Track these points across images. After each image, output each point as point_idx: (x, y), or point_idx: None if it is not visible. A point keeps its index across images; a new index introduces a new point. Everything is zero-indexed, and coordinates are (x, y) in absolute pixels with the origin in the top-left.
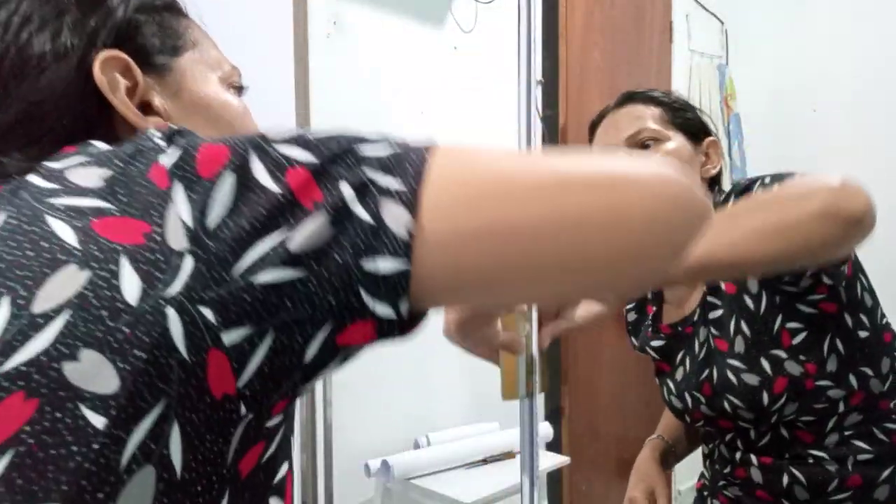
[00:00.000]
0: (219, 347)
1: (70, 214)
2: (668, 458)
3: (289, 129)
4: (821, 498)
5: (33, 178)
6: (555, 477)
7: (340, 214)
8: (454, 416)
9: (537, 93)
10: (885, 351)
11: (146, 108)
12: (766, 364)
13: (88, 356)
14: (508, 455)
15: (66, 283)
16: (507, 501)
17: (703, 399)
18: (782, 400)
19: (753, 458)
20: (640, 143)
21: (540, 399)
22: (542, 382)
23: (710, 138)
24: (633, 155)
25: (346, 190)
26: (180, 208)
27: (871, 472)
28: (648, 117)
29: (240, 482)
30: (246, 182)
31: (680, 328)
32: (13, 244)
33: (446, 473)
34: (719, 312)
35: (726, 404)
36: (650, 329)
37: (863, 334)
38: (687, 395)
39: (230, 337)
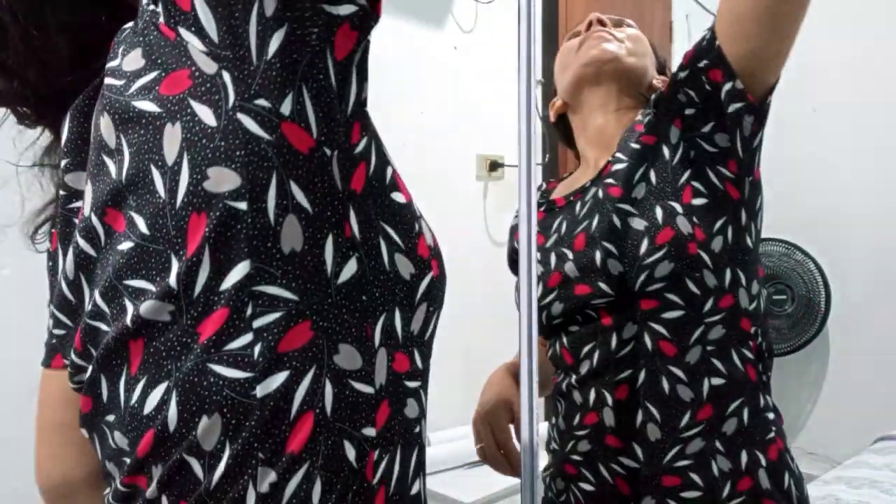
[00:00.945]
0: (284, 120)
1: (143, 93)
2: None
3: None
4: (672, 436)
5: (109, 80)
6: None
7: None
8: (454, 416)
9: (537, 93)
10: (758, 279)
11: None
12: (658, 211)
13: (212, 171)
14: None
15: (173, 136)
16: (507, 501)
17: (570, 255)
18: (660, 253)
19: (608, 395)
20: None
21: (540, 399)
22: None
23: (662, 77)
24: None
25: None
26: (194, 43)
27: (722, 402)
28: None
29: (357, 196)
30: None
31: (572, 197)
32: (139, 130)
33: (446, 473)
34: (623, 165)
35: (598, 254)
36: (543, 208)
37: (749, 242)
38: (552, 255)
39: (286, 108)
